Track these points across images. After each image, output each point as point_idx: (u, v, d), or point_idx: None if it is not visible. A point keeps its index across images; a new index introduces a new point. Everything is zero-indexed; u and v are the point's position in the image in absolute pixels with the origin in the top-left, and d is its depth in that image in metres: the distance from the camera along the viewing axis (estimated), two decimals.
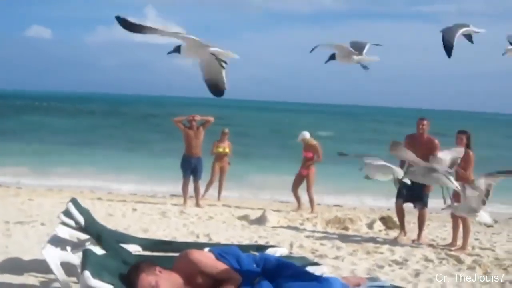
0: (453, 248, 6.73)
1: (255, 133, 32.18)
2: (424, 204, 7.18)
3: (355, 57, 4.31)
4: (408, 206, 7.48)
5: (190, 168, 9.71)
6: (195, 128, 9.74)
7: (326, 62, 4.52)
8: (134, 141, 25.14)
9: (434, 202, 9.58)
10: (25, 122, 33.67)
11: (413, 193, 7.08)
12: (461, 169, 6.67)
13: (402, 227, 7.40)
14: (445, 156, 5.76)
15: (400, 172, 6.06)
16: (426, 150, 6.55)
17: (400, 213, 7.38)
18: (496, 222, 6.65)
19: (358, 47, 4.33)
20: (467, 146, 6.87)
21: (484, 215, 6.20)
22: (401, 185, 7.14)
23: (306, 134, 9.85)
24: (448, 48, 3.75)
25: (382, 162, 6.07)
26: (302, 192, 9.93)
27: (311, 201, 9.75)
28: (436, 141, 7.16)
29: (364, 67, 4.44)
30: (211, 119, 9.93)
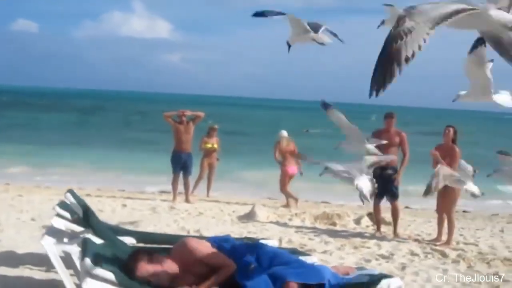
0: (438, 243, 6.90)
1: (246, 130, 32.29)
2: (395, 197, 7.38)
3: (311, 35, 4.71)
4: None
5: (180, 163, 9.75)
6: (185, 123, 9.79)
7: (288, 51, 5.01)
8: (122, 137, 25.09)
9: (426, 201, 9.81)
10: (13, 118, 33.36)
11: (383, 188, 7.31)
12: (446, 164, 6.86)
13: (378, 225, 7.60)
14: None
15: (359, 180, 6.39)
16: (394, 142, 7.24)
17: (377, 212, 7.59)
18: (483, 194, 6.86)
19: (314, 27, 4.70)
20: (453, 141, 7.05)
21: (472, 186, 6.45)
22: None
23: (284, 133, 10.16)
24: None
25: (342, 168, 6.39)
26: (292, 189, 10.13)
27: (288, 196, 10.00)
28: (403, 133, 7.45)
29: (321, 44, 4.81)
30: (201, 114, 10.00)
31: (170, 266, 3.20)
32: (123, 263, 3.16)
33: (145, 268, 3.10)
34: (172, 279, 3.19)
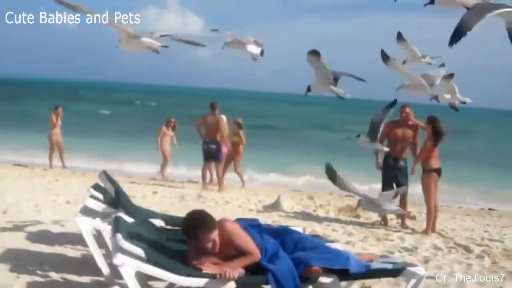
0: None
1: (277, 125, 32.31)
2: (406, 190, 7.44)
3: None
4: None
5: (211, 153, 10.10)
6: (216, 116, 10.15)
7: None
8: (153, 128, 25.48)
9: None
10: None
11: (394, 178, 7.43)
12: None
13: (385, 218, 7.59)
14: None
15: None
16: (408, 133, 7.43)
17: None
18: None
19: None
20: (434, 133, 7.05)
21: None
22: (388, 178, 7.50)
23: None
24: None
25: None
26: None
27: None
28: (417, 126, 7.51)
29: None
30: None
31: None
32: (153, 240, 3.31)
33: (213, 234, 3.21)
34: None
